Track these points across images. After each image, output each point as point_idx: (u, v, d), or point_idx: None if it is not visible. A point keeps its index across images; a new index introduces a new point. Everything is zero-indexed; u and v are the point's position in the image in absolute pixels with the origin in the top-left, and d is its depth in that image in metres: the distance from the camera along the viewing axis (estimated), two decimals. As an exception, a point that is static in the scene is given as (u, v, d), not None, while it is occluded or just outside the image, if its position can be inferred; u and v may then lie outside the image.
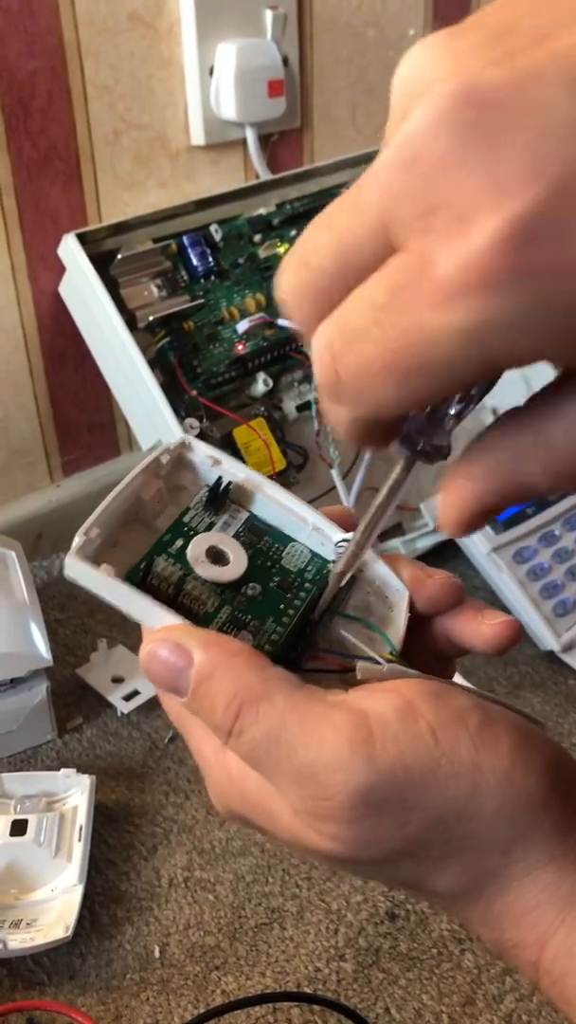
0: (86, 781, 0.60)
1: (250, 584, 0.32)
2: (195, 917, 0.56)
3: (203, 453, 0.34)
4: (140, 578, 0.30)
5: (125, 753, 0.67)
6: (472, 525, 0.26)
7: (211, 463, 0.34)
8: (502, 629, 0.31)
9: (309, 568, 0.33)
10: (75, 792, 0.60)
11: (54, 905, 0.55)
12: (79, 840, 0.57)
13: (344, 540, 0.33)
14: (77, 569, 0.29)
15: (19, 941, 0.52)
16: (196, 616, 0.30)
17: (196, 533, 0.32)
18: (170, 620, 0.29)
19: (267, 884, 0.58)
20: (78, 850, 0.57)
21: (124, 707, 0.70)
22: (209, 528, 0.33)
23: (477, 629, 0.31)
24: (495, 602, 0.78)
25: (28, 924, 0.54)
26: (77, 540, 0.29)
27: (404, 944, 0.55)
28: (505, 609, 0.77)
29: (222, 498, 0.33)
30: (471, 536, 0.77)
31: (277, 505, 0.34)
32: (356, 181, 0.22)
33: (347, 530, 0.33)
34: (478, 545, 0.76)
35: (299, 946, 0.55)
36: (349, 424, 0.24)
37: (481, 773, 0.26)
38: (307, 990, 0.53)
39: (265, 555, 0.33)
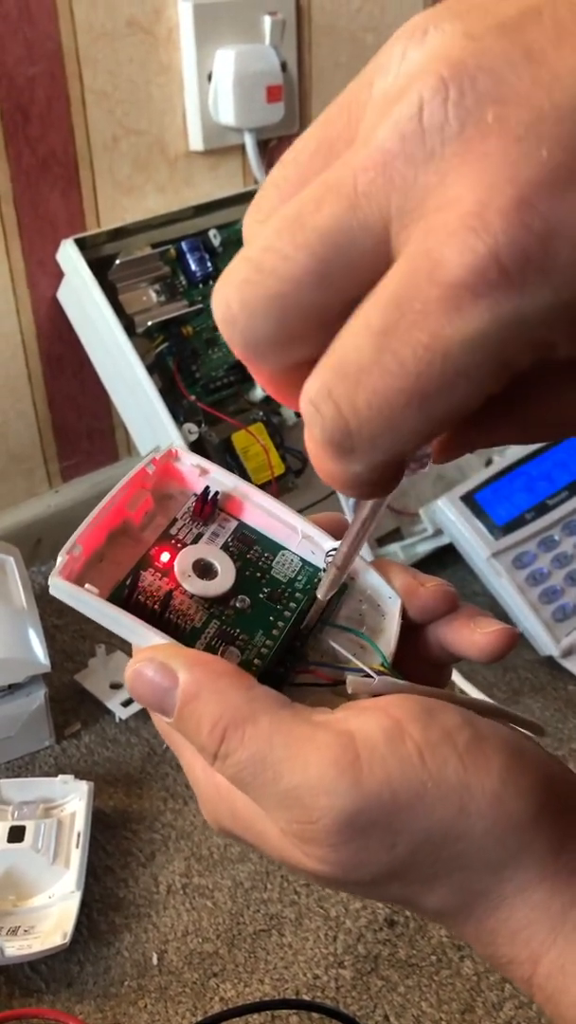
0: (84, 787, 0.60)
1: (239, 596, 0.31)
2: (193, 924, 0.56)
3: (190, 462, 0.34)
4: (125, 595, 0.30)
5: (123, 759, 0.67)
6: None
7: (198, 472, 0.34)
8: (496, 637, 0.31)
9: (300, 578, 0.33)
10: (73, 798, 0.60)
11: (52, 912, 0.55)
12: (77, 846, 0.57)
13: (334, 549, 0.33)
14: (61, 589, 0.29)
15: (16, 948, 0.52)
16: (183, 632, 0.30)
17: (184, 545, 0.32)
18: (156, 639, 0.29)
19: (265, 891, 0.58)
20: (76, 856, 0.56)
21: (122, 713, 0.70)
22: (197, 539, 0.32)
23: (470, 637, 0.31)
24: (494, 607, 0.77)
25: (26, 931, 0.54)
26: (60, 559, 0.29)
27: (403, 951, 0.55)
28: (504, 614, 0.77)
29: (211, 507, 0.33)
30: (470, 542, 0.77)
31: (266, 514, 0.34)
32: (335, 170, 0.18)
33: (338, 537, 0.33)
34: (477, 550, 0.76)
35: (298, 953, 0.55)
36: (366, 476, 0.20)
37: (470, 794, 0.26)
38: (306, 997, 0.52)
39: (254, 565, 0.33)
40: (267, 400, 0.79)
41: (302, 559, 0.33)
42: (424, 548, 0.83)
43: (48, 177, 0.78)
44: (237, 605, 0.31)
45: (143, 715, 0.70)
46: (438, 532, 0.82)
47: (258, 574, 0.32)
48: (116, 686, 0.72)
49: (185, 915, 0.57)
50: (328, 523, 0.34)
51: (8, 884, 0.56)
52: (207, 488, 0.33)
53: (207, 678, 0.27)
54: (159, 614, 0.30)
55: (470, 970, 0.54)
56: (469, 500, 0.78)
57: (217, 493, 0.33)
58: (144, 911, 0.57)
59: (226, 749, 0.26)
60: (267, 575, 0.33)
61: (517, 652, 0.77)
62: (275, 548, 0.34)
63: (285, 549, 0.34)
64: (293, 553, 0.34)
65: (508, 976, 0.28)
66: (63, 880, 0.56)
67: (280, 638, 0.31)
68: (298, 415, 0.82)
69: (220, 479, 0.34)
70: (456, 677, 0.73)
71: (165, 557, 0.31)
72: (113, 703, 0.70)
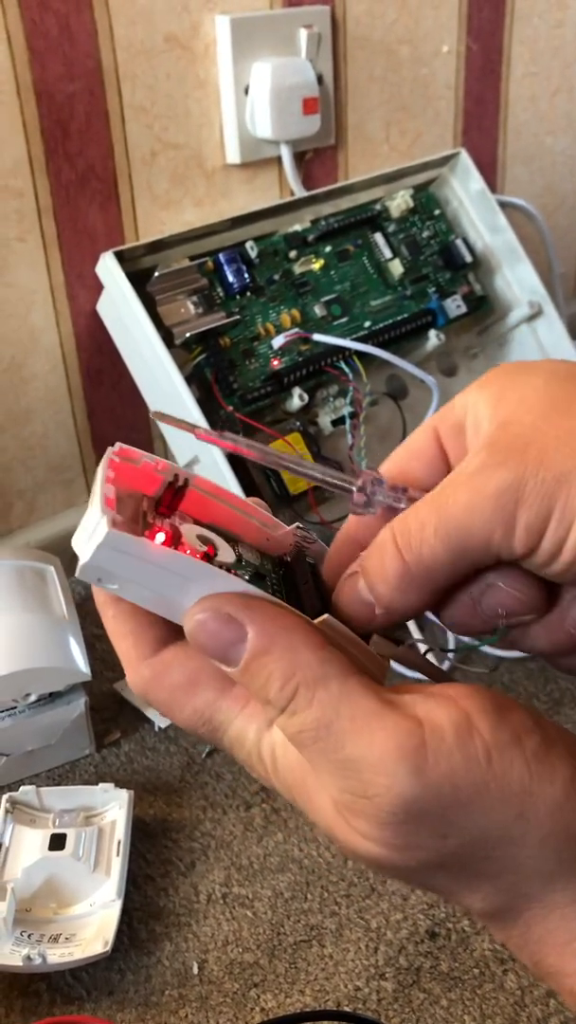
0: (124, 795, 0.60)
1: (243, 564, 0.30)
2: (233, 934, 0.56)
3: (144, 459, 0.31)
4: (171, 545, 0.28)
5: (163, 768, 0.67)
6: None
7: (155, 467, 0.31)
8: None
9: (265, 563, 0.31)
10: (113, 806, 0.60)
11: (93, 920, 0.55)
12: (117, 855, 0.57)
13: (299, 526, 0.32)
14: (120, 543, 0.26)
15: (58, 956, 0.52)
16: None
17: (167, 530, 0.30)
18: (230, 582, 0.27)
19: (306, 901, 0.58)
20: (116, 865, 0.57)
21: (161, 722, 0.70)
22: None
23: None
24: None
25: (67, 939, 0.54)
26: (105, 513, 0.27)
27: (445, 964, 0.54)
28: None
29: (179, 499, 0.31)
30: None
31: (218, 505, 0.32)
32: None
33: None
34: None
35: (339, 964, 0.54)
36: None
37: (531, 801, 0.25)
38: (347, 1009, 0.52)
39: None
40: (304, 410, 0.79)
41: (260, 551, 0.32)
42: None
43: (87, 191, 0.79)
44: (247, 577, 0.30)
45: (182, 724, 0.70)
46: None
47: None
48: (155, 695, 0.72)
49: (225, 925, 0.57)
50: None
51: (49, 892, 0.56)
52: (173, 481, 0.31)
53: (280, 633, 0.27)
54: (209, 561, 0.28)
55: (514, 984, 0.53)
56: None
57: (187, 480, 0.31)
58: (184, 920, 0.57)
59: (295, 707, 0.26)
60: (243, 560, 0.31)
61: (558, 662, 0.76)
62: (233, 540, 0.32)
63: (241, 542, 0.32)
64: (248, 545, 0.32)
65: (553, 987, 0.28)
66: (104, 888, 0.56)
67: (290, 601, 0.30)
68: (334, 424, 0.82)
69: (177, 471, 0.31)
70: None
71: (160, 537, 0.29)
72: (152, 712, 0.70)
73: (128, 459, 0.30)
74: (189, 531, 0.30)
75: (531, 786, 0.25)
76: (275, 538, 0.32)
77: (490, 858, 0.26)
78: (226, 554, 0.29)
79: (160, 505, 0.30)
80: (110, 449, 0.31)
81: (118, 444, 0.31)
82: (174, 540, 0.28)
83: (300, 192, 0.89)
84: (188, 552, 0.28)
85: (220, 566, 0.28)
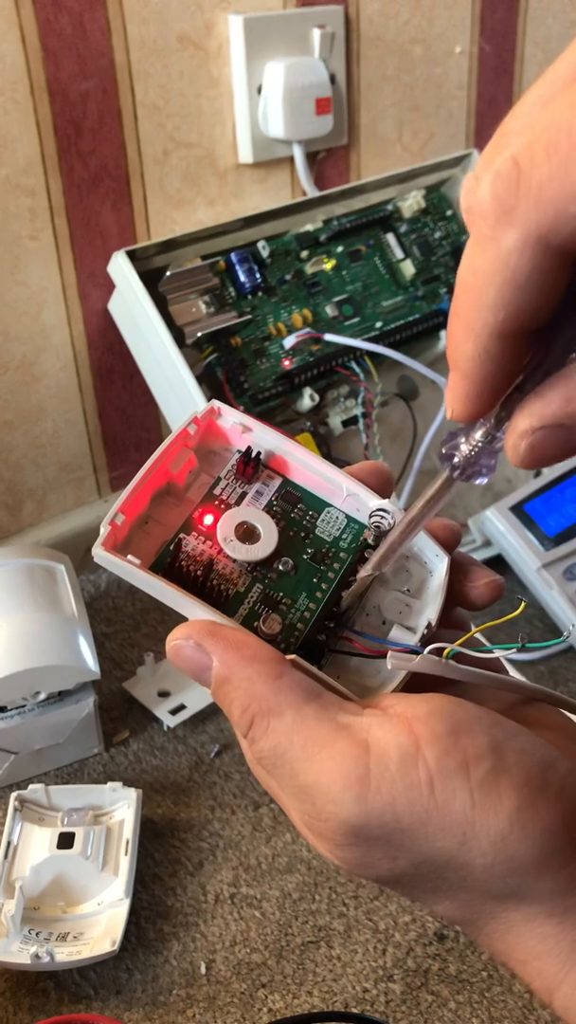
0: (132, 795, 0.60)
1: (283, 559, 0.31)
2: (241, 934, 0.56)
3: (232, 420, 0.33)
4: (168, 562, 0.30)
5: (171, 767, 0.67)
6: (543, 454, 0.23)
7: (241, 430, 0.33)
8: (487, 590, 0.32)
9: (344, 536, 0.32)
10: (122, 805, 0.60)
11: (101, 919, 0.55)
12: (125, 854, 0.57)
13: (380, 509, 0.32)
14: (104, 560, 0.29)
15: (66, 954, 0.52)
16: (226, 598, 0.30)
17: (227, 505, 0.31)
18: (198, 610, 0.29)
19: (314, 902, 0.58)
20: (124, 864, 0.56)
21: (170, 721, 0.70)
22: (241, 498, 0.32)
23: (462, 591, 0.32)
24: (544, 618, 0.76)
25: (75, 937, 0.54)
26: (103, 529, 0.29)
27: (453, 966, 0.54)
28: (554, 626, 0.76)
29: (253, 467, 0.32)
30: (520, 553, 0.76)
31: (311, 471, 0.33)
32: None
33: (379, 488, 0.33)
34: (527, 562, 0.75)
35: (346, 965, 0.54)
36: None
37: (473, 831, 0.25)
38: (355, 1010, 0.52)
39: (299, 524, 0.32)
40: (315, 410, 0.79)
41: (347, 516, 0.33)
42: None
43: (100, 190, 0.79)
44: (280, 568, 0.31)
45: (191, 723, 0.70)
46: (487, 543, 0.82)
47: (302, 534, 0.32)
48: (164, 694, 0.72)
49: (233, 925, 0.57)
50: (367, 473, 0.34)
51: (57, 890, 0.56)
52: (249, 448, 0.33)
53: (238, 664, 0.27)
54: (202, 580, 0.30)
55: (522, 987, 0.53)
56: (519, 511, 0.77)
57: (259, 453, 0.33)
58: (192, 920, 0.57)
59: (253, 735, 0.27)
60: (311, 534, 0.32)
61: (568, 665, 0.76)
62: (320, 505, 0.33)
63: (330, 506, 0.33)
64: (338, 510, 0.33)
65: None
66: (112, 887, 0.56)
67: (323, 600, 0.31)
68: (345, 425, 0.82)
69: (263, 437, 0.33)
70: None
71: (208, 520, 0.31)
72: (161, 711, 0.70)
73: (218, 416, 0.33)
74: (232, 518, 0.31)
75: (474, 816, 0.25)
76: (367, 507, 0.33)
77: (441, 878, 0.27)
78: (258, 549, 0.30)
79: (237, 473, 0.32)
80: (193, 413, 0.32)
81: (213, 403, 0.33)
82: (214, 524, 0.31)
83: (312, 192, 0.89)
84: (182, 561, 0.30)
85: (247, 562, 0.30)
